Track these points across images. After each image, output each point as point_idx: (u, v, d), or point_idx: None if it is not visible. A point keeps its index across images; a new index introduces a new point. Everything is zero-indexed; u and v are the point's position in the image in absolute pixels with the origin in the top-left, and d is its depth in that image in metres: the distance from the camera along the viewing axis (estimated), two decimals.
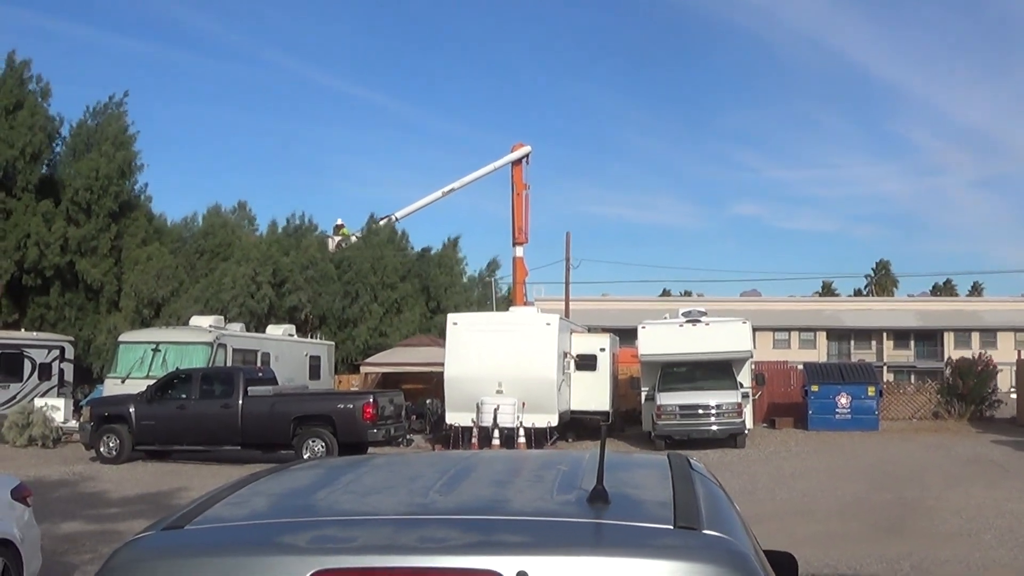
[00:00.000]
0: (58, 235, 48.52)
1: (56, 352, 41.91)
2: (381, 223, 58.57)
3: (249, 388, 30.43)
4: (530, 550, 3.05)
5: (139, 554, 3.27)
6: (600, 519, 3.34)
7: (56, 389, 40.81)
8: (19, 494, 12.38)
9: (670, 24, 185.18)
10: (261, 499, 3.94)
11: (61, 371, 42.10)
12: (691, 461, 4.48)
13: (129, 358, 36.52)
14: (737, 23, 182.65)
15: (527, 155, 59.75)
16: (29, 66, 51.53)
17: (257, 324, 46.48)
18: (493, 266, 62.26)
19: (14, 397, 38.86)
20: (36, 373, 40.64)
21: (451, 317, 37.20)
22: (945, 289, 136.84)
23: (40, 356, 41.08)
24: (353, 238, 57.73)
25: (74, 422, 36.39)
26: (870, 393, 41.25)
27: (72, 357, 43.40)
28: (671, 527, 3.22)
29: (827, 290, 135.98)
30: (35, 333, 43.81)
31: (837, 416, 40.84)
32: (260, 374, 32.89)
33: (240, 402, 29.99)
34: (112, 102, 52.81)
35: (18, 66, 51.11)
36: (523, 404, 33.98)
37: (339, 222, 59.49)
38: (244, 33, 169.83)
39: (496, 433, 33.75)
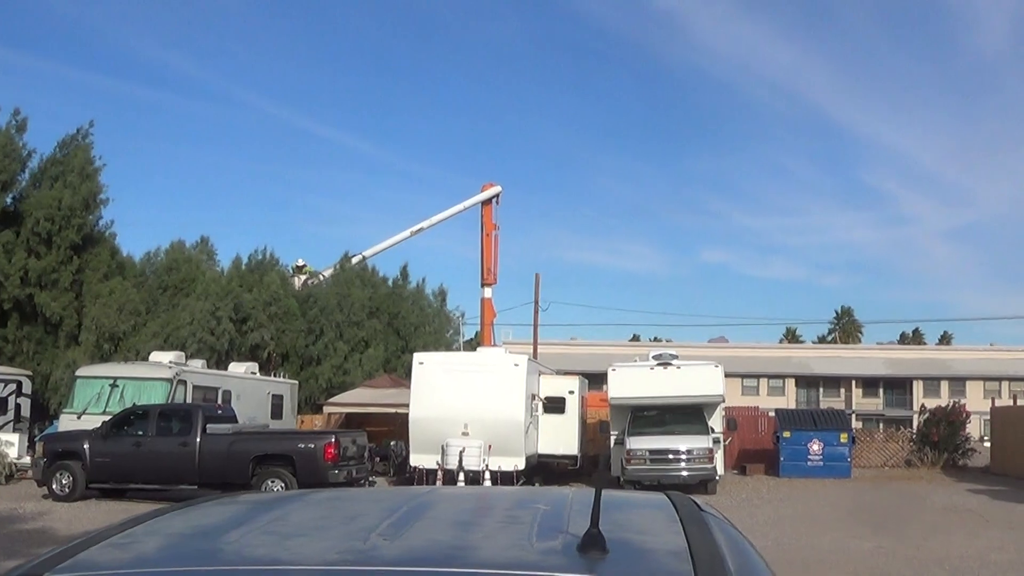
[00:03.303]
0: (18, 267, 47.65)
1: (12, 386, 40.97)
2: (353, 261, 57.98)
3: (208, 426, 29.64)
4: None
5: None
6: (597, 574, 2.60)
7: (12, 424, 39.90)
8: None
9: (641, 70, 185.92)
10: (154, 540, 3.16)
11: (18, 406, 41.15)
12: (698, 502, 3.71)
13: (86, 393, 35.65)
14: (708, 71, 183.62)
15: (497, 195, 59.36)
16: None
17: (218, 361, 45.84)
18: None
19: None
20: None
21: (417, 356, 36.60)
22: (914, 338, 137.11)
23: None
24: (322, 276, 57.11)
25: (28, 458, 35.53)
26: (842, 440, 40.85)
27: (30, 392, 42.48)
28: None
29: (792, 336, 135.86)
30: None
31: (809, 463, 40.39)
32: (219, 412, 32.16)
33: (198, 440, 29.19)
34: (79, 133, 52.27)
35: None
36: (489, 446, 33.35)
37: (300, 262, 58.79)
38: (211, 70, 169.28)
39: (461, 476, 33.03)
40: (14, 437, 36.98)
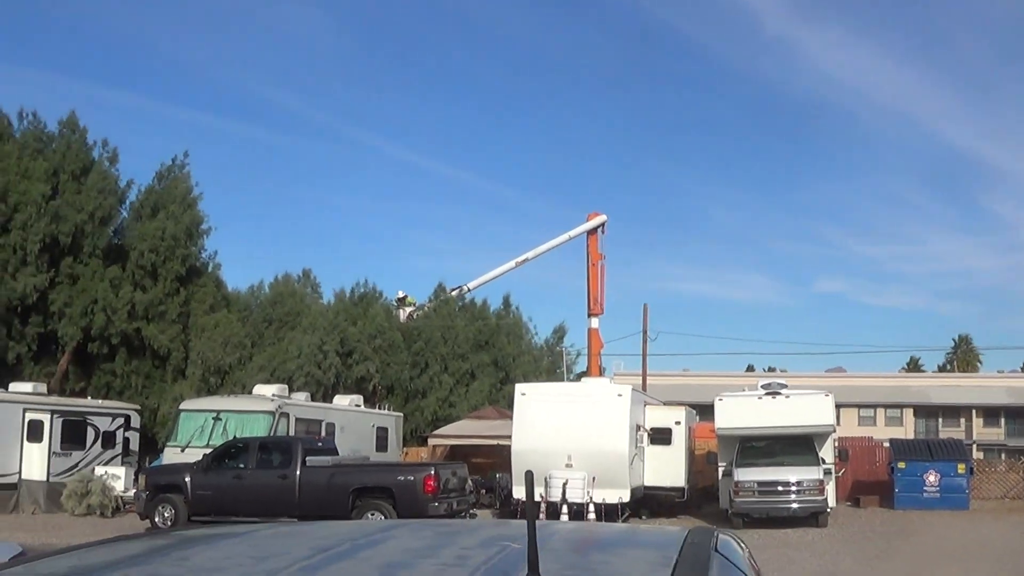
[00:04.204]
0: (125, 300, 48.26)
1: (121, 420, 41.30)
2: (452, 293, 57.93)
3: (308, 458, 29.54)
4: None
5: None
6: None
7: (120, 458, 40.20)
8: (19, 563, 11.41)
9: (752, 97, 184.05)
10: None
11: (126, 440, 41.46)
12: (720, 540, 3.06)
13: (190, 426, 36.02)
14: (821, 97, 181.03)
15: (603, 224, 58.61)
16: (85, 133, 51.75)
17: (325, 394, 46.01)
18: (560, 332, 61.56)
19: (76, 465, 38.17)
20: (99, 441, 39.97)
21: (519, 387, 36.12)
22: None
23: (104, 424, 40.45)
24: (428, 305, 57.16)
25: (134, 491, 35.75)
26: (960, 471, 39.52)
27: (138, 426, 42.85)
28: None
29: (914, 366, 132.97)
30: (100, 401, 43.28)
31: (925, 494, 39.15)
32: (319, 444, 32.05)
33: (298, 473, 29.13)
34: (175, 164, 52.99)
35: (81, 130, 51.19)
36: (593, 478, 32.73)
37: (401, 294, 58.71)
38: (313, 105, 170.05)
39: (565, 509, 32.39)
40: (120, 471, 37.42)
